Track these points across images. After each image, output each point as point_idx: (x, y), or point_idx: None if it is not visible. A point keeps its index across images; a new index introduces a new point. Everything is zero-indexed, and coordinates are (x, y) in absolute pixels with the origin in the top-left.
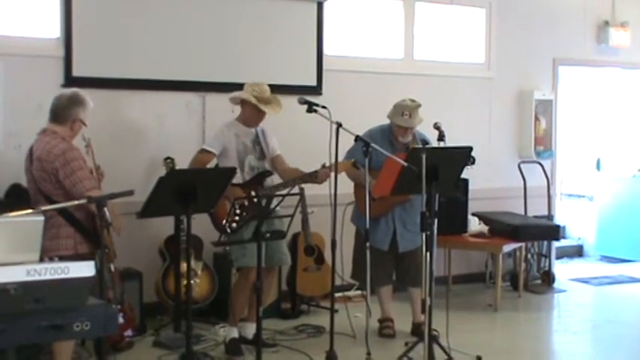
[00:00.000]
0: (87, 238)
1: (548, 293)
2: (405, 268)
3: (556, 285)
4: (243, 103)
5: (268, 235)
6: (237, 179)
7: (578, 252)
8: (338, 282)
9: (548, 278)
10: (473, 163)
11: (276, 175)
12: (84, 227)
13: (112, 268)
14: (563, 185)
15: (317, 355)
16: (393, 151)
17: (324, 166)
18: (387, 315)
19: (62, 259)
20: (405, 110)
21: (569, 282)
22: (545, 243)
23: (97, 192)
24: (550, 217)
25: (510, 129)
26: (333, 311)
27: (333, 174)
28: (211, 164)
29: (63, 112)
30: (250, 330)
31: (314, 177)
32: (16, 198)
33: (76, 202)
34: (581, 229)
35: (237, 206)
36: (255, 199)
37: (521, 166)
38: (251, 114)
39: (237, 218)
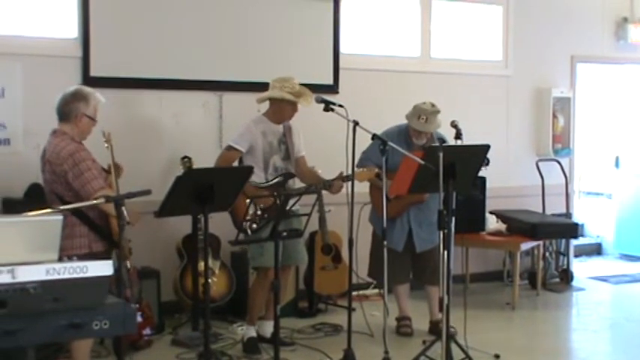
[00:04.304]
0: (101, 237)
1: (567, 291)
2: (423, 266)
3: (574, 283)
4: (272, 100)
5: (285, 233)
6: (260, 179)
7: (596, 250)
8: (355, 280)
9: (566, 276)
10: (487, 164)
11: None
12: (97, 226)
13: (129, 265)
14: (581, 183)
15: (334, 354)
16: (409, 151)
17: (340, 175)
18: (405, 313)
19: (77, 257)
20: (422, 114)
21: (587, 280)
22: (564, 241)
23: (105, 191)
24: (568, 215)
25: (528, 127)
26: (350, 310)
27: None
28: (237, 162)
29: (66, 109)
30: (268, 328)
31: (329, 187)
32: (36, 197)
33: (95, 202)
34: (599, 227)
35: (258, 207)
36: (273, 198)
37: (539, 164)
38: (284, 110)
39: (258, 219)
